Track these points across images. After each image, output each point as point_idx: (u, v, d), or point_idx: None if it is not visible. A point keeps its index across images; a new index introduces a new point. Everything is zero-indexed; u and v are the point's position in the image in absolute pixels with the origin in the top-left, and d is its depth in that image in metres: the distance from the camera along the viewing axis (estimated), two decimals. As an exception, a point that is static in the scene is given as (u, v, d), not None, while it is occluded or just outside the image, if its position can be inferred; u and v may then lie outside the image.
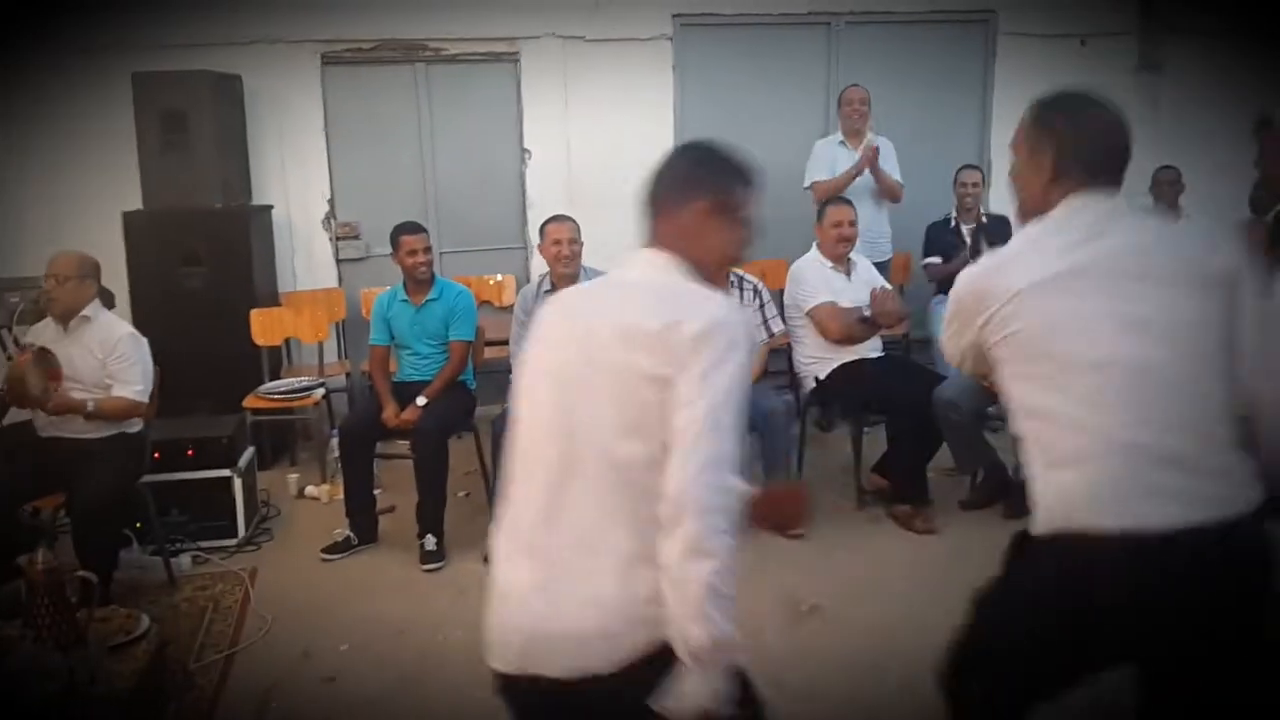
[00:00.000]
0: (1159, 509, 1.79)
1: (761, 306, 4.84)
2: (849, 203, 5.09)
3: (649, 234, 1.83)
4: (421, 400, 4.55)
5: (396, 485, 4.92)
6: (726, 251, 1.83)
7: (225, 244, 5.73)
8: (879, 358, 4.97)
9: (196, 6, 5.95)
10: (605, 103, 6.49)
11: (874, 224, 5.94)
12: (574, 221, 4.75)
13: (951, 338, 2.09)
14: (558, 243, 4.68)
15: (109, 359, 3.96)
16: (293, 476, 5.35)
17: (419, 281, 4.76)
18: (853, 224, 4.95)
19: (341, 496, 4.64)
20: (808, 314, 4.84)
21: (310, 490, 5.23)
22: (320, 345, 5.95)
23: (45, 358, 3.88)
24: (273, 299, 6.10)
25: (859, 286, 4.93)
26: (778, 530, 2.04)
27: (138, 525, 4.32)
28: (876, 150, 5.86)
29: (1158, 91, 6.99)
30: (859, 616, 3.72)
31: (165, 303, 5.56)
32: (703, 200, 1.79)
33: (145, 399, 4.02)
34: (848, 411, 5.40)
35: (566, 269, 4.62)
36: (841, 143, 6.02)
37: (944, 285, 5.77)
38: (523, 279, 6.56)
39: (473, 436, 4.93)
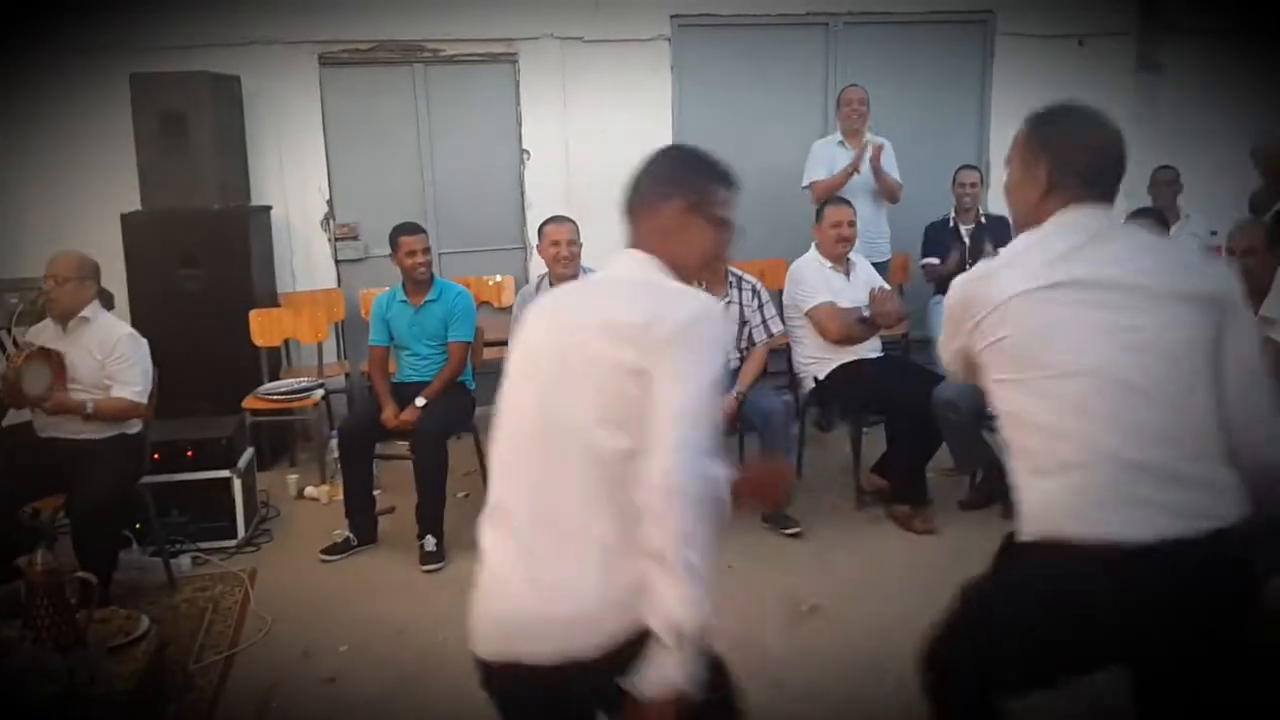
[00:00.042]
0: (1142, 519, 1.80)
1: (760, 306, 4.84)
2: (848, 203, 5.09)
3: (630, 235, 1.88)
4: (421, 401, 4.55)
5: (396, 486, 4.92)
6: (705, 251, 1.87)
7: (224, 245, 5.73)
8: (878, 358, 4.98)
9: (195, 7, 5.95)
10: (604, 103, 6.50)
11: (873, 224, 5.94)
12: (573, 222, 4.76)
13: (946, 344, 2.11)
14: (556, 243, 4.68)
15: (108, 360, 3.96)
16: (292, 477, 5.35)
17: (418, 282, 4.76)
18: (852, 224, 4.96)
19: (341, 497, 4.64)
20: (807, 314, 4.84)
21: (310, 491, 5.23)
22: (319, 346, 5.95)
23: (50, 357, 3.88)
24: (271, 300, 6.10)
25: (858, 287, 4.94)
26: (762, 508, 2.06)
27: (137, 526, 4.32)
28: (880, 149, 5.87)
29: (1156, 92, 7.00)
30: (858, 616, 3.73)
31: (164, 303, 5.56)
32: (680, 200, 1.83)
33: (144, 400, 4.02)
34: (847, 412, 5.40)
35: (565, 270, 4.62)
36: (840, 143, 6.02)
37: (942, 285, 5.78)
38: (521, 279, 6.57)
39: (472, 437, 4.93)
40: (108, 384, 3.96)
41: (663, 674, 1.56)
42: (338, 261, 6.52)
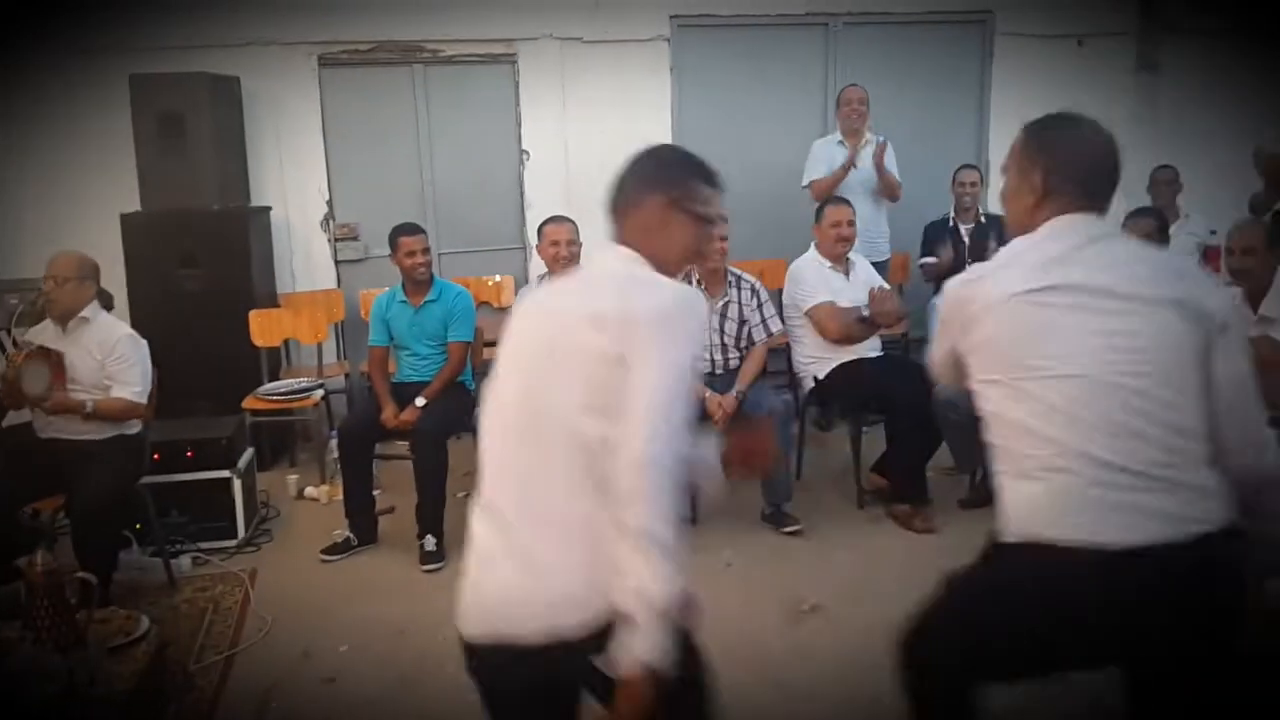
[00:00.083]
0: (1128, 524, 1.81)
1: (760, 306, 4.84)
2: (847, 202, 5.09)
3: (615, 233, 1.92)
4: (420, 401, 4.55)
5: (396, 486, 4.92)
6: (687, 247, 1.91)
7: (223, 245, 5.74)
8: (878, 357, 4.98)
9: (194, 8, 5.95)
10: (603, 104, 6.50)
11: (872, 223, 5.95)
12: (572, 222, 4.76)
13: (937, 345, 2.14)
14: (555, 243, 4.69)
15: (108, 360, 3.96)
16: (292, 477, 5.35)
17: (418, 282, 4.76)
18: (851, 224, 4.96)
19: (341, 497, 4.64)
20: (806, 314, 4.85)
21: (310, 491, 5.23)
22: (319, 346, 5.95)
23: (50, 357, 3.88)
24: (271, 300, 6.10)
25: (857, 286, 4.94)
26: (752, 476, 2.13)
27: (137, 526, 4.32)
28: (885, 145, 5.88)
29: (1156, 92, 7.00)
30: (858, 616, 3.73)
31: (164, 304, 5.56)
32: (662, 195, 1.87)
33: (144, 400, 4.02)
34: (847, 411, 5.40)
35: (565, 269, 4.62)
36: (840, 142, 6.02)
37: (940, 285, 5.78)
38: (521, 279, 6.57)
39: (472, 437, 4.92)
40: (107, 384, 3.96)
41: (635, 651, 1.59)
42: (337, 262, 6.53)
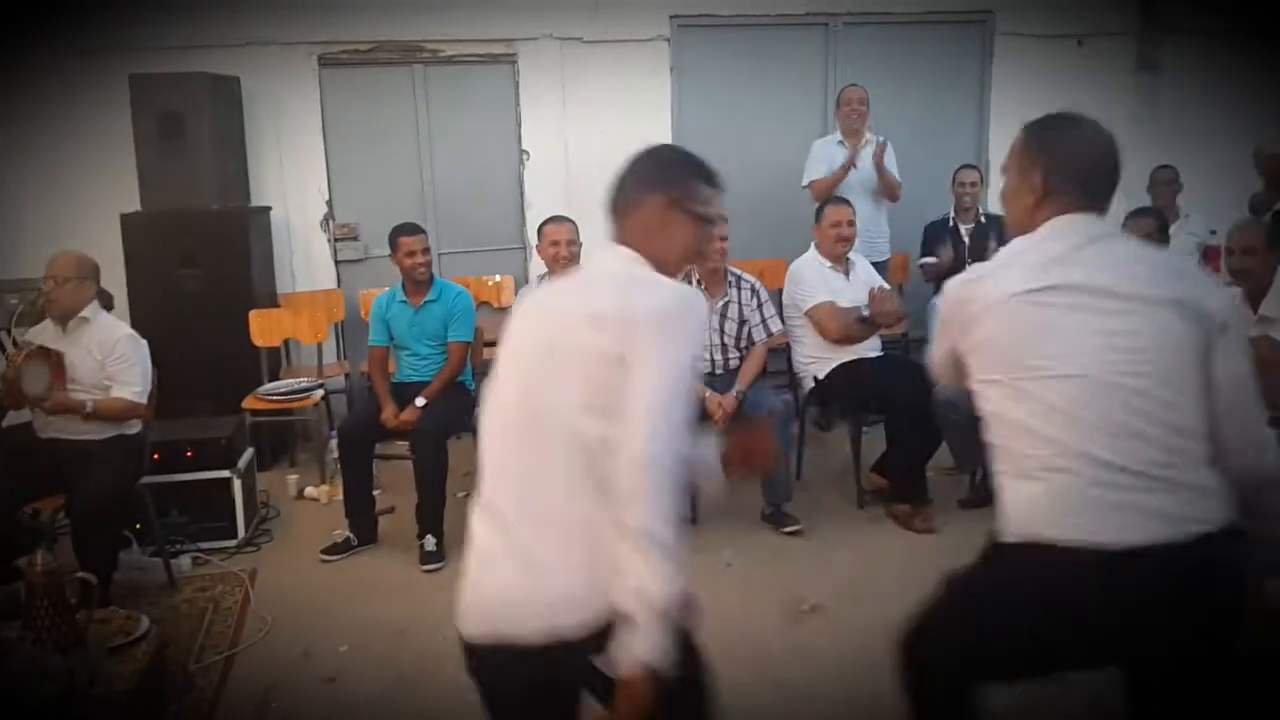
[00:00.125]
0: (1128, 524, 1.81)
1: (760, 306, 4.84)
2: (847, 202, 5.09)
3: (615, 233, 1.92)
4: (420, 401, 4.55)
5: (396, 486, 4.92)
6: (687, 246, 1.91)
7: (223, 245, 5.74)
8: (878, 357, 4.98)
9: (194, 8, 5.95)
10: (603, 104, 6.50)
11: (872, 223, 5.95)
12: (572, 222, 4.76)
13: (937, 346, 2.15)
14: (555, 243, 4.69)
15: (107, 360, 3.96)
16: (292, 477, 5.35)
17: (418, 282, 4.76)
18: (851, 224, 4.96)
19: (341, 497, 4.64)
20: (806, 314, 4.85)
21: (310, 491, 5.23)
22: (319, 346, 5.95)
23: (49, 356, 3.88)
24: (271, 300, 6.10)
25: (857, 286, 4.94)
26: (752, 475, 2.12)
27: (137, 526, 4.32)
28: (885, 145, 5.88)
29: (1156, 91, 7.00)
30: (858, 616, 3.72)
31: (164, 304, 5.56)
32: (661, 195, 1.87)
33: (144, 400, 4.02)
34: (847, 411, 5.40)
35: (565, 270, 4.62)
36: (840, 142, 6.02)
37: (941, 284, 5.78)
38: (521, 279, 6.57)
39: (472, 437, 4.91)
40: (107, 384, 3.96)
41: (635, 651, 1.59)
42: (337, 262, 6.53)
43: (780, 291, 5.10)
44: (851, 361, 4.80)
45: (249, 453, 4.91)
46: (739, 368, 4.81)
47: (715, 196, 1.94)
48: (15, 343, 3.92)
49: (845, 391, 4.91)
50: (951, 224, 6.16)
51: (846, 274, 5.00)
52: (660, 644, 1.59)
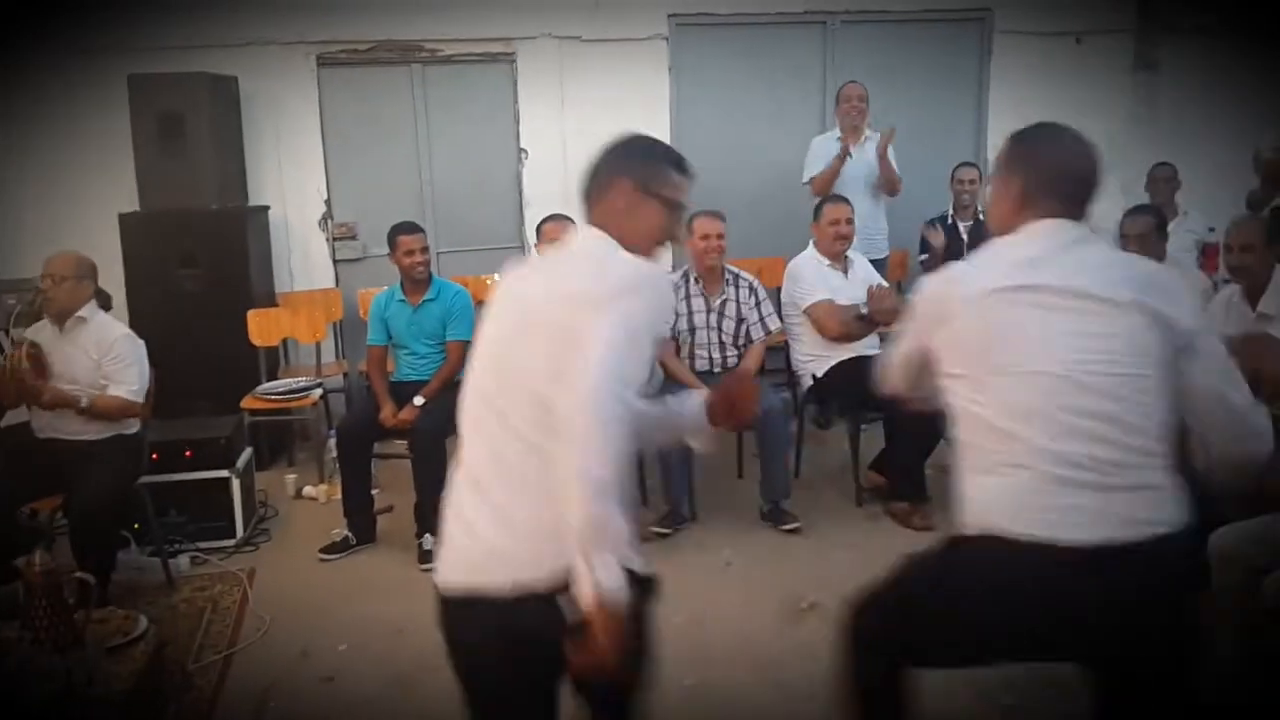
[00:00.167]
0: (1084, 522, 1.84)
1: (758, 304, 4.85)
2: (846, 200, 5.09)
3: (587, 217, 2.00)
4: (419, 400, 4.55)
5: (394, 485, 4.92)
6: (655, 229, 1.96)
7: (222, 245, 5.74)
8: (876, 355, 4.96)
9: (193, 8, 5.95)
10: (601, 103, 6.48)
11: (871, 220, 5.94)
12: (571, 220, 4.74)
13: (901, 343, 2.19)
14: (554, 241, 4.67)
15: (104, 359, 3.95)
16: (290, 477, 5.35)
17: (416, 281, 4.76)
18: (849, 222, 4.96)
19: (339, 496, 4.64)
20: (805, 312, 4.85)
21: (308, 490, 5.23)
22: (318, 346, 5.95)
23: (33, 351, 3.88)
24: (270, 300, 6.10)
25: (856, 284, 4.94)
26: (734, 427, 2.19)
27: (136, 526, 4.32)
28: (892, 133, 5.88)
29: (1154, 89, 7.00)
30: (857, 614, 3.72)
31: (162, 304, 5.56)
32: (630, 179, 1.94)
33: (139, 399, 4.01)
34: (845, 409, 5.40)
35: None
36: (839, 139, 6.02)
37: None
38: (520, 279, 6.55)
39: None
40: (104, 384, 3.96)
41: (586, 586, 1.64)
42: (336, 261, 6.52)
43: (779, 290, 5.10)
44: (850, 359, 4.80)
45: (247, 452, 4.91)
46: (737, 366, 4.81)
47: (684, 182, 1.99)
48: (14, 341, 3.92)
49: (844, 389, 4.90)
50: (950, 221, 6.16)
51: (845, 272, 5.01)
52: (608, 577, 1.63)
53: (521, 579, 1.77)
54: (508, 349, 1.85)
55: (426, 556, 4.30)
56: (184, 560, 4.41)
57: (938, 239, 5.88)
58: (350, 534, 4.54)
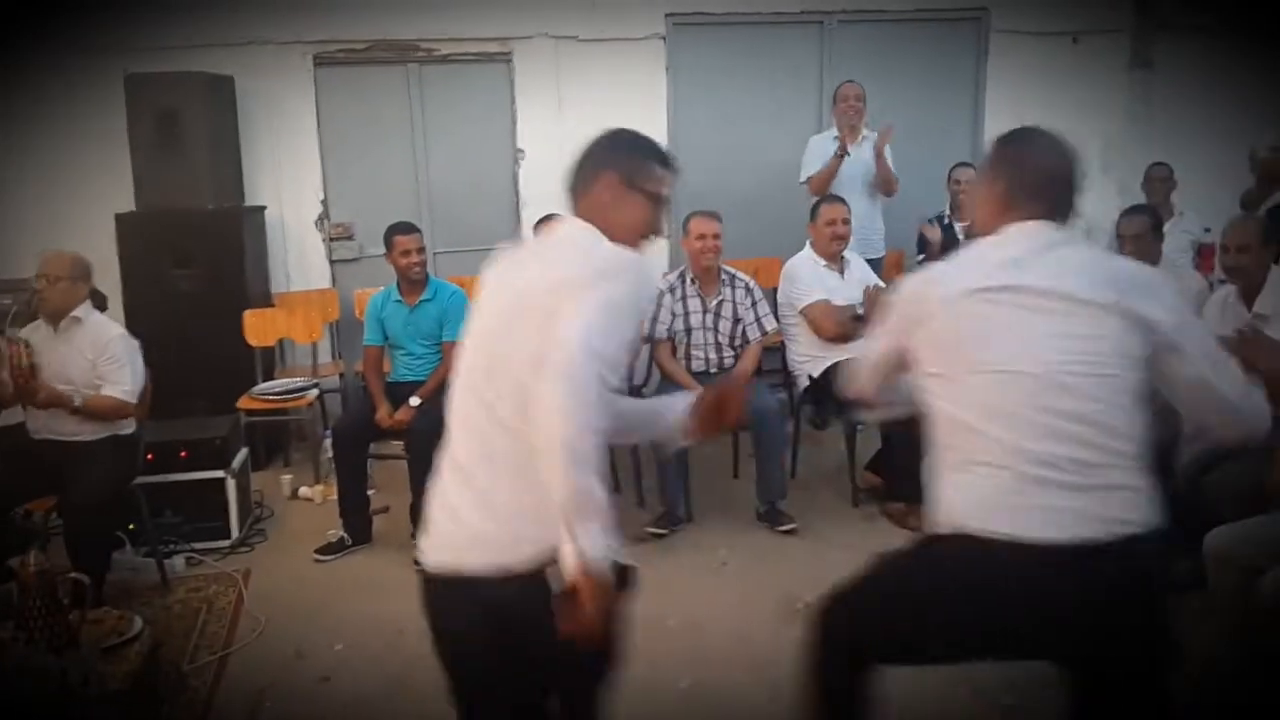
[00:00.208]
0: (1053, 522, 1.85)
1: (754, 304, 4.85)
2: (842, 201, 5.10)
3: (573, 210, 2.01)
4: (415, 400, 4.54)
5: (390, 485, 4.92)
6: (639, 222, 1.98)
7: (218, 245, 5.73)
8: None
9: (189, 8, 5.94)
10: (598, 102, 6.47)
11: (867, 219, 5.94)
12: (567, 221, 4.75)
13: (875, 341, 2.21)
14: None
15: (99, 360, 3.94)
16: (286, 477, 5.35)
17: (413, 282, 4.76)
18: (846, 222, 4.97)
19: (335, 497, 4.64)
20: (801, 312, 4.85)
21: (304, 491, 5.23)
22: (314, 346, 5.95)
23: (27, 350, 3.87)
24: (266, 300, 6.09)
25: (852, 284, 4.94)
26: (718, 431, 2.19)
27: (131, 527, 4.31)
28: (889, 130, 5.87)
29: (1150, 89, 7.00)
30: (853, 614, 3.72)
31: (158, 304, 5.55)
32: (614, 173, 1.97)
33: (133, 400, 4.00)
34: (841, 410, 5.39)
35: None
36: (836, 138, 6.01)
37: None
38: (516, 278, 6.55)
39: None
40: (98, 384, 3.95)
41: (570, 556, 1.68)
42: (332, 261, 6.52)
43: (775, 290, 5.10)
44: (847, 360, 4.79)
45: (243, 453, 4.91)
46: (733, 366, 4.81)
47: (668, 176, 2.01)
48: (9, 340, 3.92)
49: (840, 390, 4.90)
50: (947, 222, 6.16)
51: (841, 272, 5.01)
52: (592, 546, 1.66)
53: (503, 561, 1.81)
54: (496, 340, 1.87)
55: (423, 557, 4.30)
56: (179, 561, 4.40)
57: (935, 235, 5.87)
58: (346, 534, 4.53)
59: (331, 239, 6.49)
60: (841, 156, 5.83)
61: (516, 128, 6.57)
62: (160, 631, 3.51)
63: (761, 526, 4.64)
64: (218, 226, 5.74)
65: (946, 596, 1.95)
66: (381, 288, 4.98)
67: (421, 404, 4.52)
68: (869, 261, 5.44)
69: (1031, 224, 2.02)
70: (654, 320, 4.81)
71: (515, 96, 6.54)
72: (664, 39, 6.60)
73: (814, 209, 5.09)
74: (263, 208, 6.22)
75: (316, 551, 4.48)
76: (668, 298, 4.82)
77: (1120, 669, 1.91)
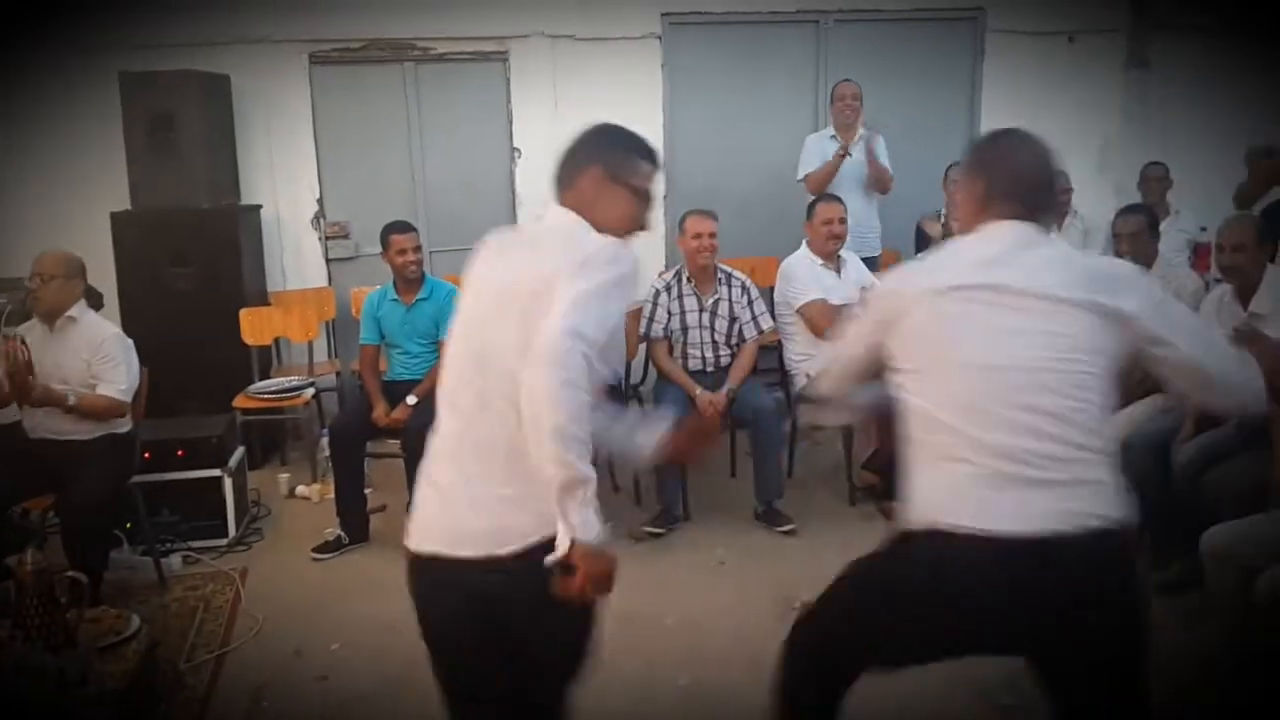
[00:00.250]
0: (1022, 516, 1.86)
1: (750, 303, 4.85)
2: (839, 200, 5.10)
3: (559, 202, 2.03)
4: (412, 399, 4.54)
5: (387, 484, 4.91)
6: (624, 216, 2.01)
7: (214, 244, 5.72)
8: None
9: (185, 7, 5.93)
10: (595, 102, 6.45)
11: (864, 218, 5.94)
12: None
13: (846, 344, 2.22)
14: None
15: (94, 359, 3.94)
16: (283, 476, 5.34)
17: (409, 280, 4.75)
18: (843, 221, 4.97)
19: (332, 496, 4.64)
20: (798, 311, 4.85)
21: (301, 490, 5.22)
22: (310, 345, 5.94)
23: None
24: (262, 298, 6.08)
25: (849, 283, 4.95)
26: (689, 460, 2.24)
27: (128, 525, 4.30)
28: (877, 134, 5.91)
29: (1146, 88, 7.00)
30: (851, 613, 3.72)
31: (154, 303, 5.54)
32: (597, 166, 1.99)
33: (128, 399, 3.99)
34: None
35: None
36: (833, 137, 6.02)
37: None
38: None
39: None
40: (93, 383, 3.94)
41: (563, 535, 1.70)
42: (328, 260, 6.51)
43: (772, 289, 5.10)
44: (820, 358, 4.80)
45: (240, 451, 4.90)
46: (730, 365, 4.81)
47: (653, 172, 2.05)
48: (4, 337, 3.91)
49: (808, 390, 4.89)
50: (944, 221, 6.16)
51: (838, 271, 5.01)
52: (584, 524, 1.68)
53: (489, 547, 1.84)
54: (485, 327, 1.90)
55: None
56: (176, 559, 4.40)
57: (936, 231, 5.88)
58: (343, 533, 4.53)
59: (327, 237, 6.49)
60: (844, 156, 5.83)
61: (512, 127, 6.56)
62: (157, 630, 3.50)
63: (759, 526, 4.65)
64: (214, 225, 5.73)
65: (916, 591, 1.96)
66: (378, 286, 4.98)
67: (418, 402, 4.52)
68: (865, 260, 5.45)
69: (1007, 224, 2.04)
70: (650, 319, 4.82)
71: (511, 95, 6.54)
72: (660, 38, 6.60)
73: (810, 208, 5.09)
74: (259, 206, 6.21)
75: (314, 550, 4.48)
76: (664, 297, 4.82)
77: (1090, 663, 1.91)
